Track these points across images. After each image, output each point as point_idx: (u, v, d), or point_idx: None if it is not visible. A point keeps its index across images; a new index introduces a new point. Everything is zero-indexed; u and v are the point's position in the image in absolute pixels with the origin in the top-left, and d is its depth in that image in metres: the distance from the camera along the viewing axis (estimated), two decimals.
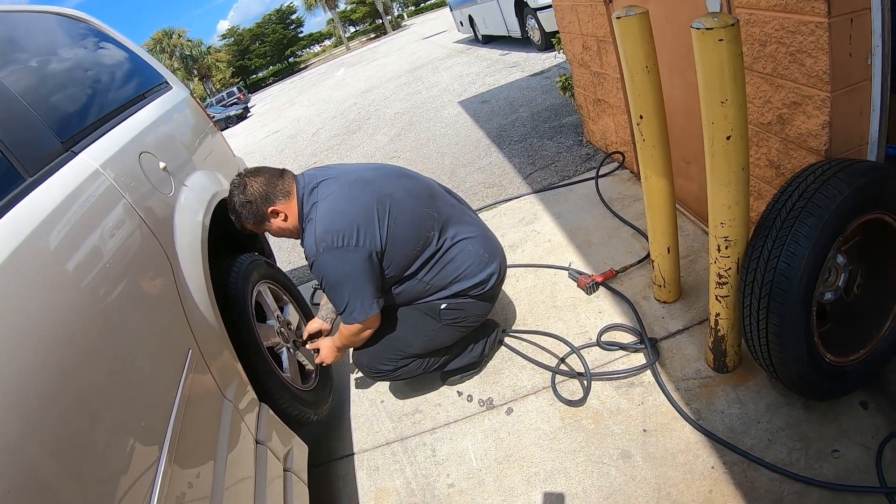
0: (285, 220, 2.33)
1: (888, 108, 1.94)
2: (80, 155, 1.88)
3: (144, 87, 2.83)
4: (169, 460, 1.40)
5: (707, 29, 1.61)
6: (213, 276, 2.18)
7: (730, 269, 1.99)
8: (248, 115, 27.25)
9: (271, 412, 2.19)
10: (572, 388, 2.53)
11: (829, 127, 1.93)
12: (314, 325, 2.79)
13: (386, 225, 2.26)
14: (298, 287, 3.57)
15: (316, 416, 2.53)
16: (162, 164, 2.27)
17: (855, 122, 1.95)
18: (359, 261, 2.20)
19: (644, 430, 2.23)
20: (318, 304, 2.95)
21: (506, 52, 11.74)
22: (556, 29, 7.81)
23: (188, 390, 1.65)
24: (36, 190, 1.57)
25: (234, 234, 2.81)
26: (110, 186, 1.84)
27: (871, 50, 1.81)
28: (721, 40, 1.60)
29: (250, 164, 2.92)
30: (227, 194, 2.56)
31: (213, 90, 52.61)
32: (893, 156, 2.88)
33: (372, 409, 2.88)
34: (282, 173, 2.37)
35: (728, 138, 1.74)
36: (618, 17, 2.11)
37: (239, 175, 2.37)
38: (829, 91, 1.87)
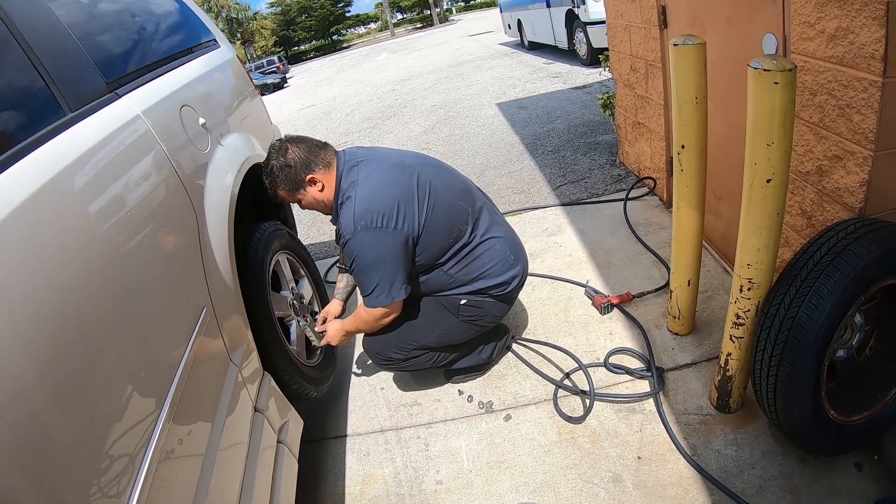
0: (322, 190, 2.32)
1: None
2: (123, 98, 1.87)
3: (193, 41, 2.84)
4: (170, 413, 1.41)
5: (764, 70, 1.61)
6: (236, 240, 2.19)
7: (749, 311, 1.99)
8: (286, 85, 27.30)
9: (273, 382, 2.20)
10: (573, 405, 2.53)
11: (867, 185, 1.93)
12: (334, 307, 2.77)
13: (425, 211, 2.26)
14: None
15: (315, 393, 2.54)
16: (202, 120, 2.28)
17: (893, 185, 1.94)
18: (395, 244, 2.20)
19: (639, 458, 2.23)
20: (333, 284, 2.94)
21: (550, 61, 11.72)
22: (603, 45, 7.82)
23: (197, 347, 1.65)
24: (76, 126, 1.56)
25: (259, 201, 2.83)
26: (149, 133, 1.84)
27: None
28: (776, 83, 1.60)
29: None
30: (259, 159, 2.57)
31: (254, 56, 52.62)
32: None
33: (371, 394, 2.89)
34: (324, 145, 2.37)
35: (768, 181, 1.73)
36: (675, 44, 2.11)
37: (280, 140, 2.36)
38: (872, 150, 1.86)
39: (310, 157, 2.30)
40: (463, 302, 2.46)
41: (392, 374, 2.97)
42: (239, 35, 55.25)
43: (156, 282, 1.59)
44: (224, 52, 3.08)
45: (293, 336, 2.64)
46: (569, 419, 2.45)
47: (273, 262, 2.57)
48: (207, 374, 1.74)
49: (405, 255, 2.23)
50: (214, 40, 3.11)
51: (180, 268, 1.77)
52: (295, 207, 2.55)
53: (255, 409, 1.99)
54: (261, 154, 2.67)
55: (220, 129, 2.48)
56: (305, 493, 2.38)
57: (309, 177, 2.29)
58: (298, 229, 4.92)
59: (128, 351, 1.37)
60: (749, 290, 1.95)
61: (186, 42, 2.77)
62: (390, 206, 2.20)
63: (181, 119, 2.13)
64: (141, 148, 1.78)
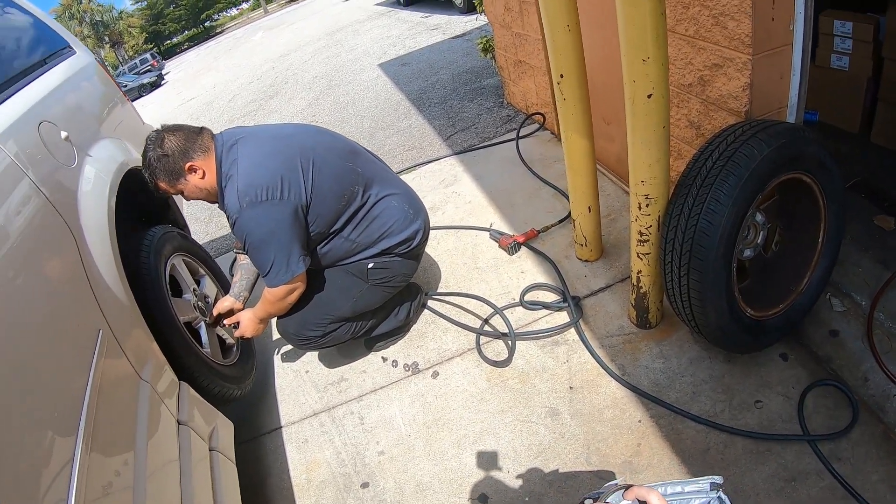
0: (203, 177, 2.21)
1: (808, 73, 1.98)
2: None
3: (45, 52, 2.63)
4: (85, 450, 1.30)
5: None
6: (123, 251, 2.05)
7: (650, 226, 2.01)
8: (163, 82, 26.17)
9: (192, 391, 2.09)
10: (497, 349, 2.54)
11: (749, 89, 1.96)
12: (225, 303, 2.62)
13: (311, 177, 2.18)
14: (216, 259, 3.43)
15: (239, 392, 2.45)
16: (63, 134, 2.12)
17: (775, 86, 1.98)
18: (284, 215, 2.12)
19: (570, 388, 2.25)
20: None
21: (427, 14, 11.60)
22: None
23: (100, 374, 1.54)
24: None
25: (146, 207, 2.68)
26: (10, 162, 1.70)
27: (794, 16, 1.84)
28: None
29: None
30: (136, 163, 2.43)
31: (126, 57, 49.97)
32: (811, 122, 2.95)
33: (297, 380, 2.83)
34: (200, 130, 2.25)
35: (649, 97, 1.73)
36: None
37: (156, 130, 2.23)
38: (750, 54, 1.89)
39: (187, 145, 2.18)
40: (370, 266, 2.41)
41: (314, 354, 2.91)
42: (107, 38, 52.48)
43: (42, 314, 1.47)
44: (81, 58, 2.87)
45: (204, 339, 2.53)
46: (495, 364, 2.45)
47: (169, 267, 2.44)
48: (119, 398, 1.62)
49: (297, 226, 2.16)
50: (69, 47, 2.90)
51: (66, 294, 1.64)
52: (185, 205, 2.40)
53: (179, 423, 1.89)
54: (137, 158, 2.52)
55: (87, 140, 2.32)
56: (253, 495, 2.33)
57: (188, 164, 2.17)
58: (194, 228, 4.76)
59: (26, 396, 1.27)
60: (647, 206, 1.96)
61: (38, 54, 2.57)
62: (273, 178, 2.12)
63: (41, 136, 1.97)
64: (4, 178, 1.64)
